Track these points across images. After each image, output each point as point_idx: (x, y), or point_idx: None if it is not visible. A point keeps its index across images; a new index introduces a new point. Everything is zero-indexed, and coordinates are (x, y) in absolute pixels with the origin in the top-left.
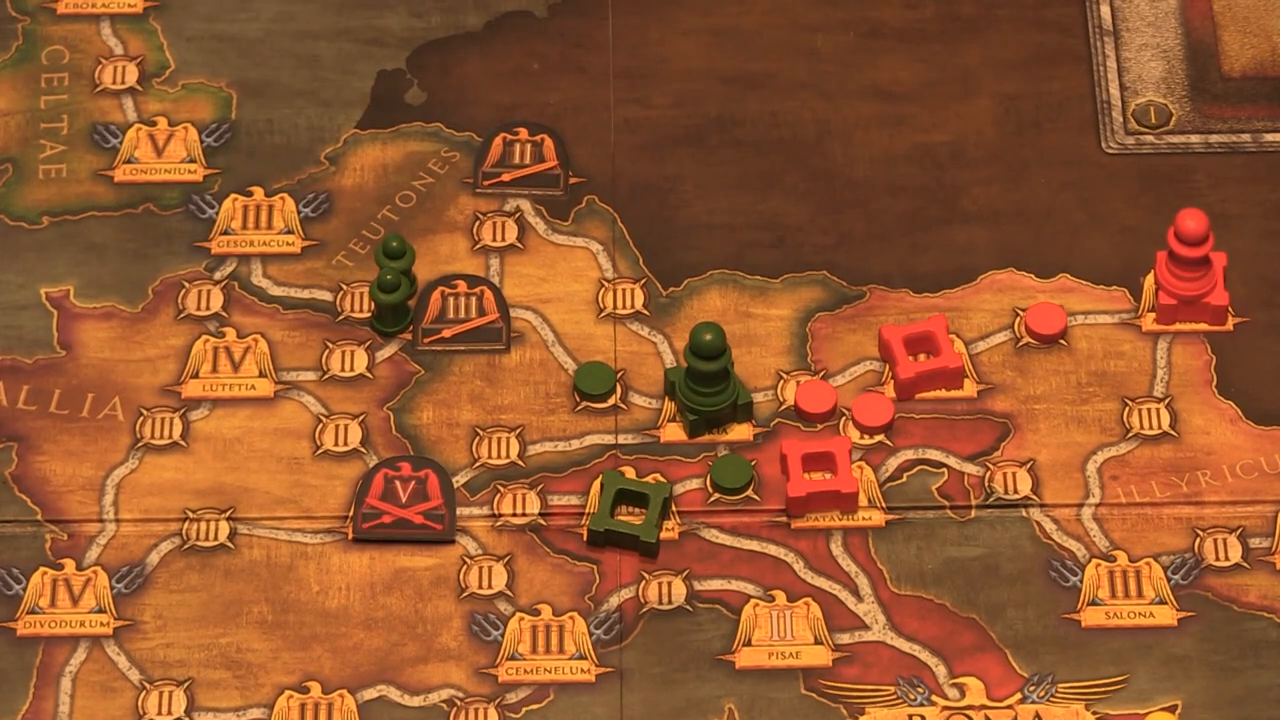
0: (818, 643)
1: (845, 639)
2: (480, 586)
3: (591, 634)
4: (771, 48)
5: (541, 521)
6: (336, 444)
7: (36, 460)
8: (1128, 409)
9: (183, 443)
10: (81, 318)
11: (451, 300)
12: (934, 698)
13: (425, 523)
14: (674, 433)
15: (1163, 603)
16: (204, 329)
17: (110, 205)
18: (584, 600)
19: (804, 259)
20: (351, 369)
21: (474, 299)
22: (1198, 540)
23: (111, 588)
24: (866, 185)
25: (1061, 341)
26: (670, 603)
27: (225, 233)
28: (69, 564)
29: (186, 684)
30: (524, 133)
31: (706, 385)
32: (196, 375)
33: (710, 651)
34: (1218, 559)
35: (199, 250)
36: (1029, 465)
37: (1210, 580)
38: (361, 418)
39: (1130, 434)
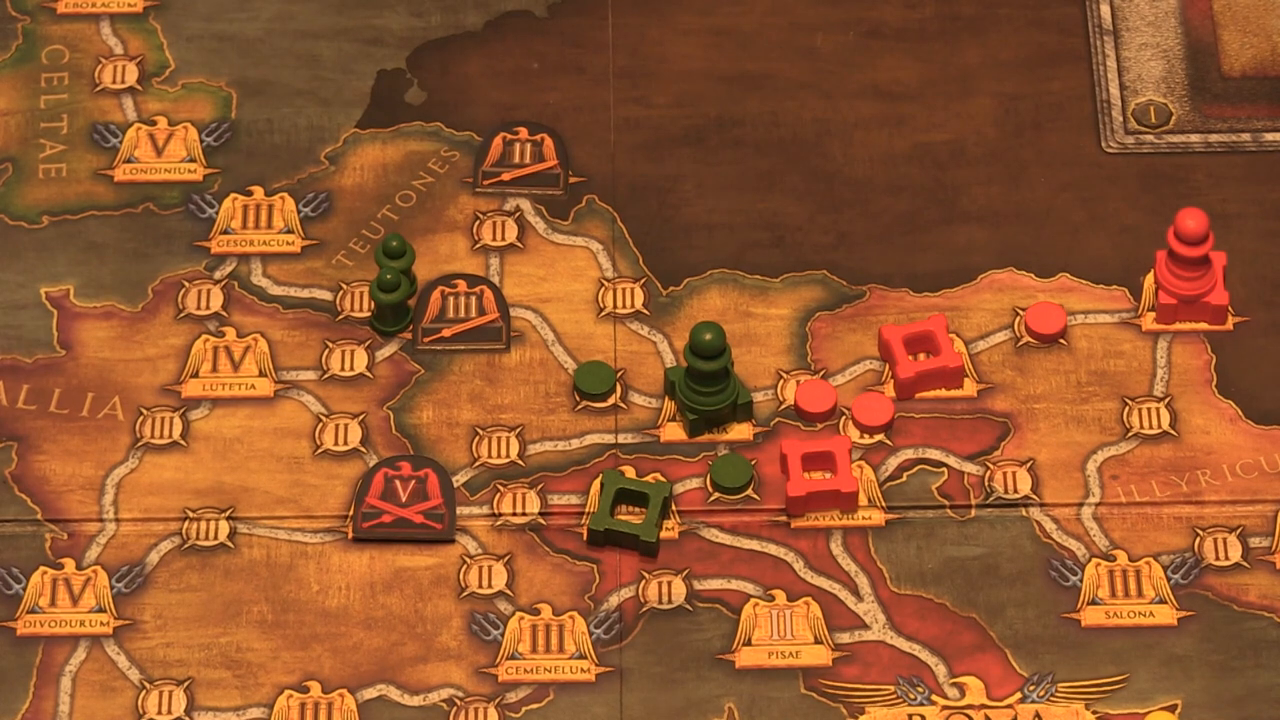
0: (818, 642)
1: (845, 638)
2: (480, 586)
3: (591, 633)
4: (771, 48)
5: (541, 521)
6: (336, 443)
7: (36, 460)
8: (1127, 408)
9: (183, 442)
10: (81, 317)
11: (451, 300)
12: (934, 697)
13: (425, 522)
14: (674, 432)
15: (1163, 602)
16: (204, 328)
17: (110, 205)
18: (584, 600)
19: (804, 259)
20: (351, 368)
21: (474, 298)
22: (1198, 540)
23: (111, 587)
24: (866, 185)
25: (1061, 341)
26: (670, 602)
27: (225, 232)
28: (69, 563)
29: (186, 684)
30: (524, 132)
31: (706, 385)
32: (196, 375)
33: (710, 651)
34: (1218, 558)
35: (199, 250)
36: (1029, 465)
37: (1210, 580)
38: (361, 417)
39: (1130, 433)
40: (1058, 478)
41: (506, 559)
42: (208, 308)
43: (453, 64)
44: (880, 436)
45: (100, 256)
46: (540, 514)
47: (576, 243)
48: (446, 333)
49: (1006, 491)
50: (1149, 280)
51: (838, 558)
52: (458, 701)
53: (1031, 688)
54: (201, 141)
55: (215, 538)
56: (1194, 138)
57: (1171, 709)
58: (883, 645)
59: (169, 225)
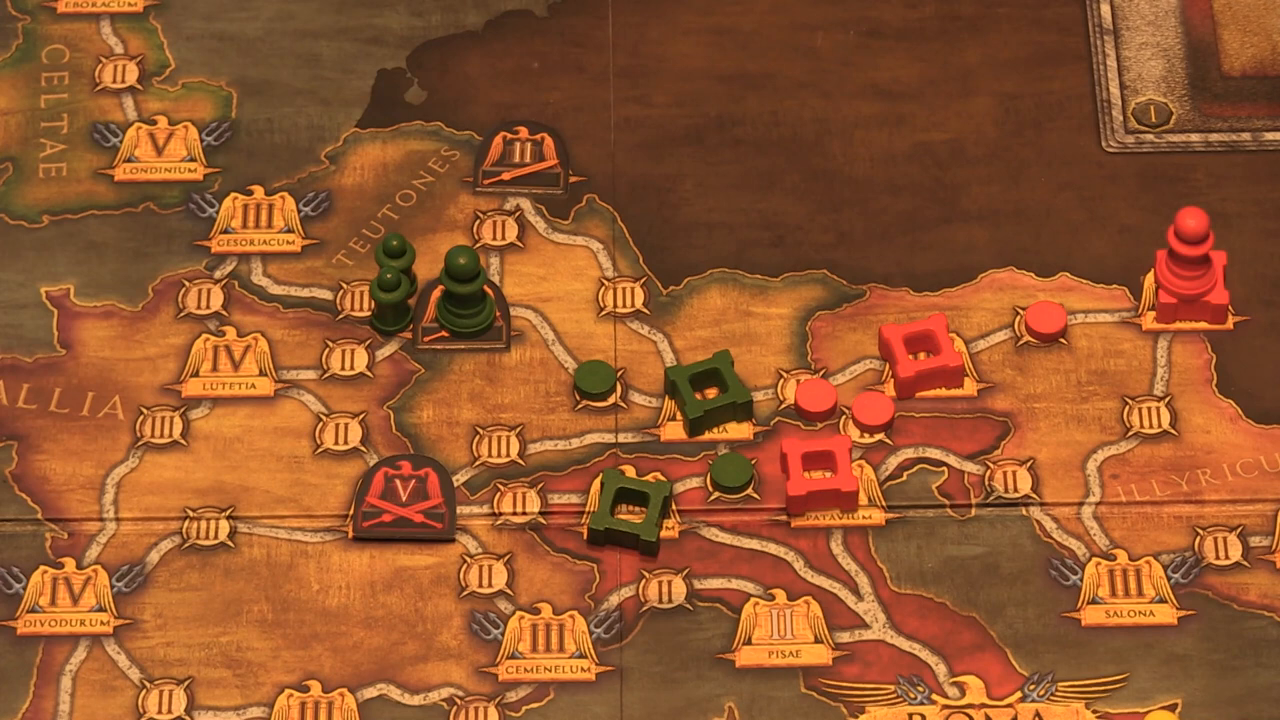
0: (818, 641)
1: (845, 638)
2: (480, 585)
3: (591, 633)
4: (771, 47)
5: (541, 520)
6: (336, 443)
7: (36, 459)
8: (1128, 408)
9: (183, 441)
10: (81, 317)
11: None
12: (934, 696)
13: (425, 521)
14: (674, 431)
15: (1163, 601)
16: (204, 328)
17: (110, 204)
18: (584, 599)
19: (804, 258)
20: (351, 368)
21: None
22: (1198, 539)
23: (111, 586)
24: (866, 184)
25: (1061, 340)
26: (670, 601)
27: (225, 231)
28: (69, 563)
29: (186, 683)
30: (524, 131)
31: (464, 307)
32: (197, 374)
33: (710, 650)
34: (1218, 558)
35: (199, 249)
36: (1029, 464)
37: (1210, 579)
38: (361, 417)
39: (1130, 433)
40: (1058, 477)
41: (506, 558)
42: (208, 307)
43: (453, 63)
44: (880, 436)
45: (100, 256)
46: (540, 513)
47: (577, 242)
48: (446, 331)
49: (1006, 491)
50: (1149, 280)
51: (838, 557)
52: (458, 701)
53: (1031, 687)
54: (202, 141)
55: (215, 537)
56: (1194, 137)
57: (1172, 708)
58: (883, 644)
59: (169, 224)
